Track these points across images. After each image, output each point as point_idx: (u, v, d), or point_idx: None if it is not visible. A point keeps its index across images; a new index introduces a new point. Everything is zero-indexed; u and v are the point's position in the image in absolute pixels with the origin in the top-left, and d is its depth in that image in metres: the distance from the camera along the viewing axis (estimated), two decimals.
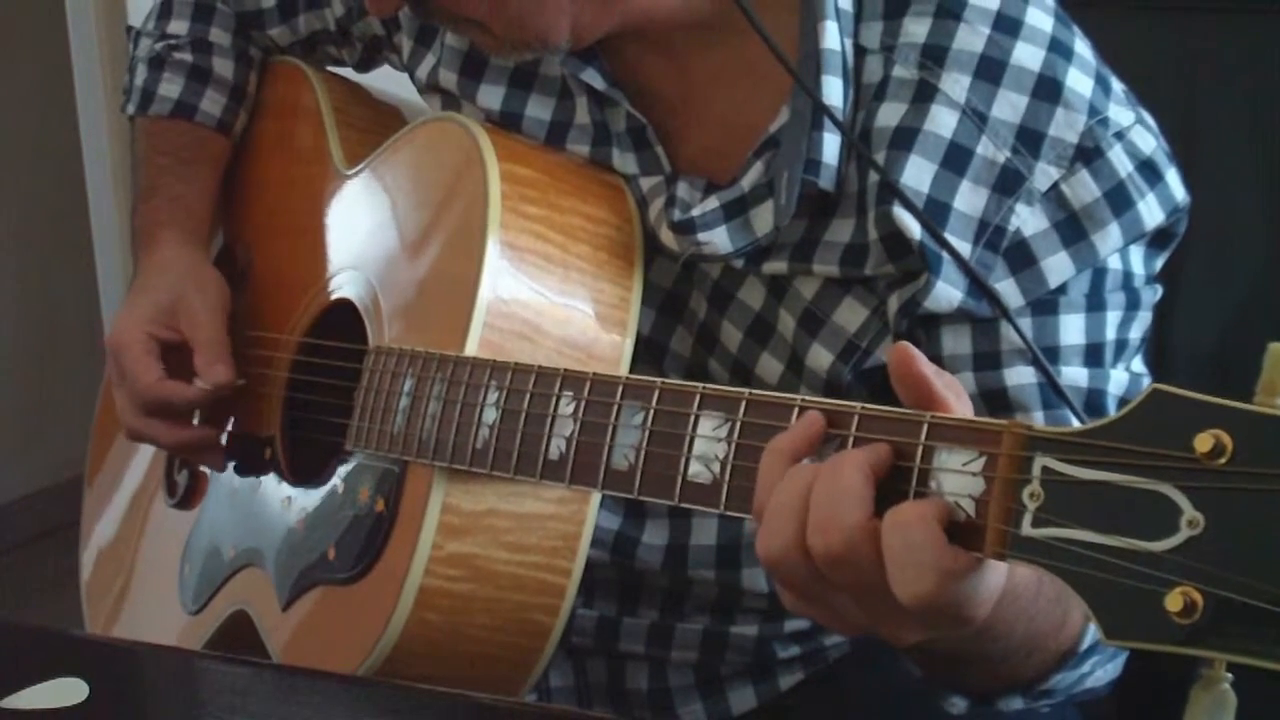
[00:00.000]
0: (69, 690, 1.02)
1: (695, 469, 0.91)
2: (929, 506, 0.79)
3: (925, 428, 0.80)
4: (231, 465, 1.36)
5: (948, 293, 1.07)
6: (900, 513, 0.79)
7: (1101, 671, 1.06)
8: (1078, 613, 0.99)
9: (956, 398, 0.83)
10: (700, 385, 0.93)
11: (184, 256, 1.42)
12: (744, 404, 0.89)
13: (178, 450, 1.41)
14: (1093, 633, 1.00)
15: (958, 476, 0.78)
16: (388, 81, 1.46)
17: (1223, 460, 0.67)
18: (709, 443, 0.91)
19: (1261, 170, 1.39)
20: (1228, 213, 1.38)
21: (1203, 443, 0.68)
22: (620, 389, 0.98)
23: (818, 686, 1.30)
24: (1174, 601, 0.68)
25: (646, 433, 0.95)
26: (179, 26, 1.48)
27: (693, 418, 0.92)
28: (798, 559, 0.82)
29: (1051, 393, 1.07)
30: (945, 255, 1.06)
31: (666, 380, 0.96)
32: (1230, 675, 0.68)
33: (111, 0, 2.69)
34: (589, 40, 1.16)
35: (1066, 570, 0.72)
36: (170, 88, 1.47)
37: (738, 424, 0.89)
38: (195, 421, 1.39)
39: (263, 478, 1.33)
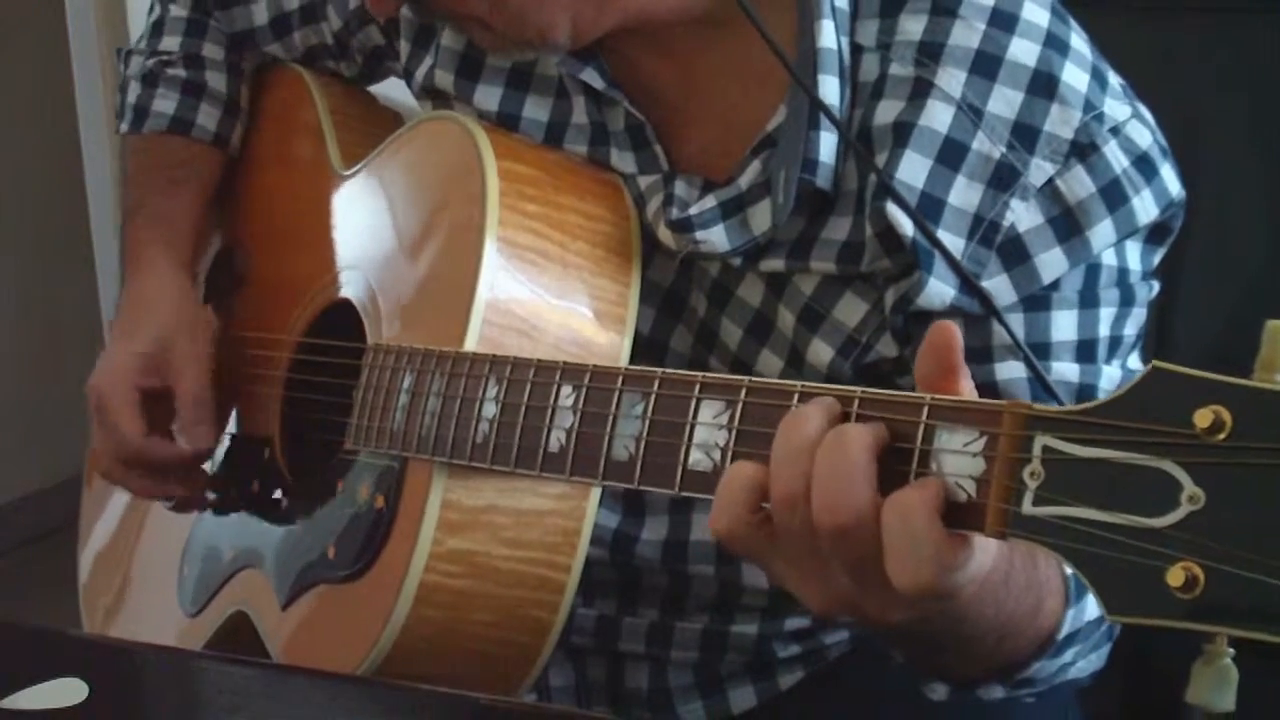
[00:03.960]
0: (69, 690, 1.02)
1: (696, 457, 0.91)
2: (930, 493, 0.78)
3: (926, 408, 0.80)
4: (215, 494, 1.37)
5: (940, 290, 1.07)
6: (903, 498, 0.79)
7: (1084, 662, 1.06)
8: (1053, 600, 0.99)
9: (972, 389, 0.83)
10: (700, 374, 0.92)
11: (169, 287, 1.41)
12: (744, 390, 0.89)
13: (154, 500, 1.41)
14: (1071, 621, 1.01)
15: (958, 457, 0.78)
16: (385, 84, 1.46)
17: (1222, 436, 0.68)
18: (710, 430, 0.90)
19: (1261, 169, 1.40)
20: (1228, 211, 1.38)
21: (1202, 418, 0.68)
22: (621, 378, 0.97)
23: (818, 685, 1.30)
24: (1175, 577, 0.68)
25: (647, 422, 0.94)
26: (171, 43, 1.48)
27: (693, 405, 0.91)
28: (804, 533, 0.83)
29: (1041, 388, 1.07)
30: (937, 253, 1.06)
31: (667, 370, 0.95)
32: (1232, 650, 0.69)
33: (112, 5, 2.70)
34: (589, 38, 1.16)
35: (1067, 548, 0.72)
36: (165, 104, 1.46)
37: (739, 409, 0.89)
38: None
39: (262, 478, 1.33)
